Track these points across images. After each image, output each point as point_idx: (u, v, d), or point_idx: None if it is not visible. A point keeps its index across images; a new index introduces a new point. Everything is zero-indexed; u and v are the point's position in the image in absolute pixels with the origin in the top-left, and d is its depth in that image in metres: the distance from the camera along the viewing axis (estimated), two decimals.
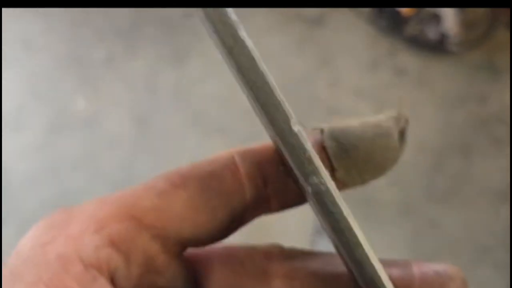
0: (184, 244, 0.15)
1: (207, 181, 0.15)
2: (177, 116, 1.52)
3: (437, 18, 1.56)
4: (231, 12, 0.16)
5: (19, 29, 1.68)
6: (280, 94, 0.15)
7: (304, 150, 0.14)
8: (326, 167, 0.15)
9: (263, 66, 0.16)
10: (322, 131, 0.16)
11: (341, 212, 0.16)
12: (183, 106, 1.57)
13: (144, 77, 1.61)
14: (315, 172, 0.14)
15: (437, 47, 1.61)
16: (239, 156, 0.16)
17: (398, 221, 1.40)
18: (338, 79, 1.62)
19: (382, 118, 0.17)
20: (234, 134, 1.52)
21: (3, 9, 1.72)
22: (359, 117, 0.17)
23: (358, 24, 1.71)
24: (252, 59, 0.16)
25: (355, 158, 0.16)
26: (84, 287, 0.13)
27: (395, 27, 1.64)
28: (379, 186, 1.46)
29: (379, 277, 0.14)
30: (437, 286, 0.17)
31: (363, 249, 0.15)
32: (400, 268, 0.18)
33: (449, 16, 1.54)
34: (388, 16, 1.63)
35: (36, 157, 1.48)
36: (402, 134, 0.18)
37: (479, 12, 1.68)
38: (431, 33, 1.60)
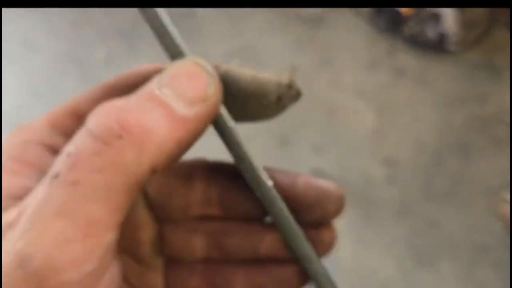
0: None
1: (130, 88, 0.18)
2: None
3: (436, 18, 1.56)
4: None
5: (20, 30, 1.68)
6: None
7: None
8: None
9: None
10: (218, 68, 0.18)
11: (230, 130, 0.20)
12: None
13: None
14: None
15: (437, 47, 1.61)
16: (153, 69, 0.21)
17: (397, 221, 1.40)
18: (338, 79, 1.61)
19: (270, 79, 0.19)
20: None
21: (4, 9, 1.71)
22: (256, 72, 0.19)
23: (357, 24, 1.70)
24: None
25: (233, 102, 0.19)
26: (40, 160, 0.17)
27: (395, 27, 1.63)
28: (378, 186, 1.45)
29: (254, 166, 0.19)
30: (313, 194, 0.20)
31: (241, 148, 0.21)
32: (286, 174, 0.20)
33: (449, 16, 1.53)
34: (388, 16, 1.63)
35: None
36: (280, 98, 0.20)
37: (478, 12, 1.67)
38: (431, 33, 1.60)
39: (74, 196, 0.13)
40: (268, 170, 0.20)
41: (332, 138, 1.51)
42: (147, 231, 0.20)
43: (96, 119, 0.15)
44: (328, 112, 1.55)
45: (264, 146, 1.50)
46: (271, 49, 1.65)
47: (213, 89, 0.16)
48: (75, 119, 0.19)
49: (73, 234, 0.13)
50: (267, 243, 0.20)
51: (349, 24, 1.70)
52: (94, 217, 0.13)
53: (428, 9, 1.55)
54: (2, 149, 0.17)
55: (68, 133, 0.17)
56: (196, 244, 0.20)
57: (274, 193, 0.19)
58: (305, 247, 0.19)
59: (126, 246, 0.19)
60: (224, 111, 0.19)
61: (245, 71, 0.19)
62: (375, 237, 1.37)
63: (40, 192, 0.14)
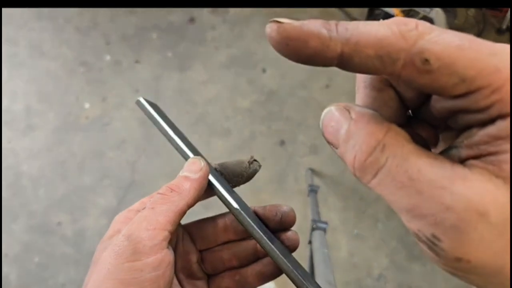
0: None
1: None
2: (180, 118, 1.55)
3: (428, 22, 1.59)
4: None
5: (28, 35, 1.70)
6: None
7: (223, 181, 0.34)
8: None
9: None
10: (215, 165, 0.35)
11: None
12: (186, 109, 1.59)
13: (149, 81, 1.64)
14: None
15: None
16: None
17: (390, 217, 1.42)
18: (333, 82, 1.65)
19: (242, 159, 0.35)
20: (235, 135, 1.55)
21: (14, 18, 1.74)
22: (235, 160, 0.35)
23: None
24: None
25: (230, 176, 0.34)
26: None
27: None
28: None
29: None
30: (279, 215, 0.34)
31: (225, 197, 0.32)
32: (263, 208, 0.35)
33: (440, 21, 1.55)
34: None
35: (46, 157, 1.51)
36: (250, 163, 0.34)
37: (470, 17, 1.71)
38: None
39: (151, 214, 0.29)
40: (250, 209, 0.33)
41: None
42: (193, 256, 0.34)
43: (163, 188, 0.31)
44: None
45: (264, 146, 1.54)
46: (269, 54, 1.68)
47: (203, 166, 0.32)
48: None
49: (150, 227, 0.28)
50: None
51: None
52: (158, 223, 0.28)
53: (420, 14, 1.58)
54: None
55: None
56: (224, 258, 0.35)
57: (248, 219, 0.31)
58: (276, 248, 0.30)
59: (182, 265, 0.34)
60: (211, 178, 0.32)
61: (230, 161, 0.35)
62: (369, 232, 1.40)
63: (136, 216, 0.29)
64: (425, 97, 0.22)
